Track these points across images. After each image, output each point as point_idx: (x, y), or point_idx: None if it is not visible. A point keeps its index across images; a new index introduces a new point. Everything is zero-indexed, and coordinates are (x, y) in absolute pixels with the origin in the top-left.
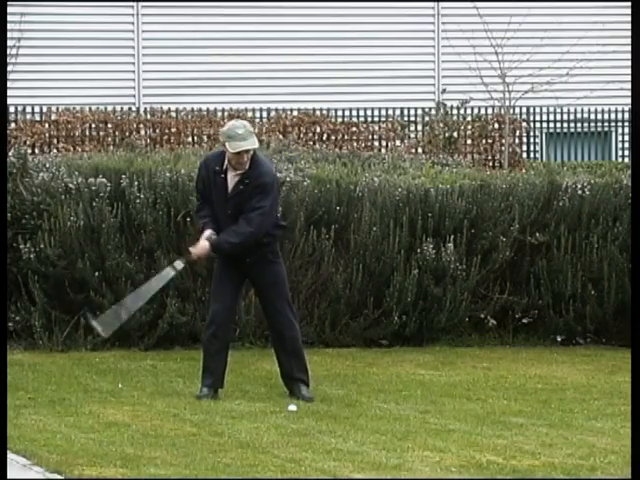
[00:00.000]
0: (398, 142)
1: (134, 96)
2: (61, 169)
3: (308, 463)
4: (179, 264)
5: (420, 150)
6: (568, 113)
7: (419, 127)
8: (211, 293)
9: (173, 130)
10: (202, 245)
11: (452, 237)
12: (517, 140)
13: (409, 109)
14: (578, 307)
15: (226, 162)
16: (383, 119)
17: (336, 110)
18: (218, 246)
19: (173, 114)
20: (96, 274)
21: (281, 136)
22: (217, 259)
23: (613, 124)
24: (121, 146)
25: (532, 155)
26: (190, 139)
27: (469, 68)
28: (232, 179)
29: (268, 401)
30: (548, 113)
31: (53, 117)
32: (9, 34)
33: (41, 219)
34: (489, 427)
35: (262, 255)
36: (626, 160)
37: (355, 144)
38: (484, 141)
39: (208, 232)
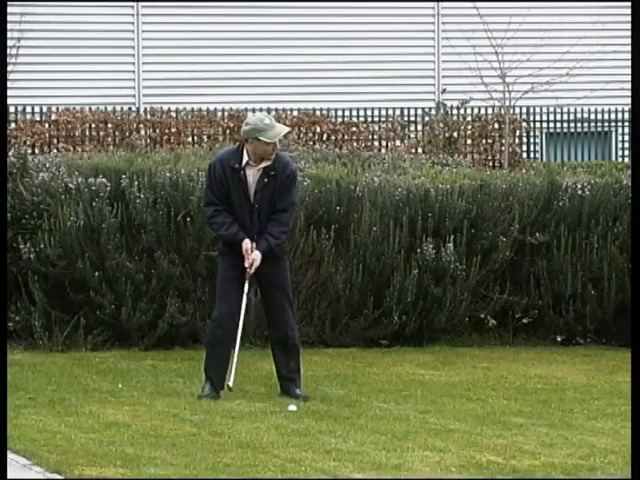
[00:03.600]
0: (398, 142)
1: (134, 96)
2: (61, 169)
3: (308, 463)
4: (246, 288)
5: (420, 150)
6: (568, 113)
7: (419, 127)
8: (218, 293)
9: (173, 130)
10: (255, 257)
11: (452, 237)
12: (517, 140)
13: (409, 109)
14: (578, 307)
15: (245, 158)
16: (383, 119)
17: (336, 110)
18: (270, 252)
19: (173, 114)
20: (96, 274)
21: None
22: (221, 258)
23: (613, 124)
24: (121, 146)
25: (532, 155)
26: (190, 139)
27: (469, 68)
28: (254, 174)
29: (268, 401)
30: (548, 113)
31: (53, 117)
32: (9, 34)
33: (41, 219)
34: (489, 427)
35: (272, 252)
36: (626, 160)
37: (355, 144)
38: (484, 141)
39: (248, 242)
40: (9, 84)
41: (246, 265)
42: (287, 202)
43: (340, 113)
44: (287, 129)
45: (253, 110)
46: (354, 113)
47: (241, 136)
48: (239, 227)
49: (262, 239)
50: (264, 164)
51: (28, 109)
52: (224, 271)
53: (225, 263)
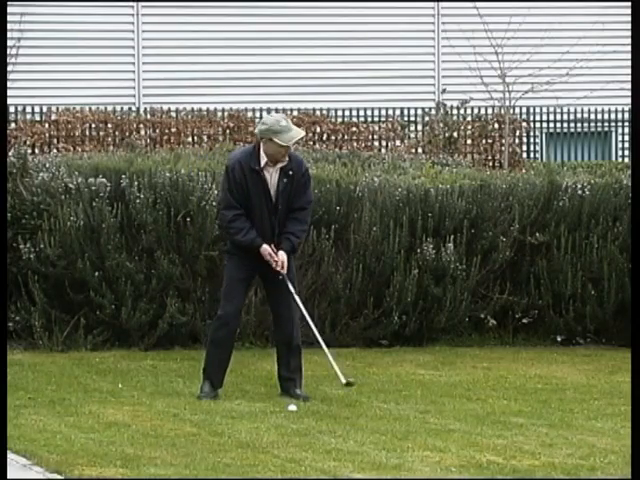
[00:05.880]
0: (398, 142)
1: (134, 96)
2: (61, 169)
3: (308, 463)
4: (292, 288)
5: (420, 150)
6: (568, 113)
7: (419, 127)
8: (224, 293)
9: (173, 130)
10: (282, 259)
11: (452, 237)
12: (517, 140)
13: (409, 109)
14: (578, 307)
15: (264, 159)
16: (383, 119)
17: (336, 110)
18: (293, 251)
19: (173, 114)
20: (96, 274)
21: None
22: (229, 258)
23: (613, 124)
24: (121, 146)
25: (532, 155)
26: (190, 139)
27: (469, 68)
28: (272, 175)
29: (268, 401)
30: (548, 113)
31: (53, 117)
32: (9, 34)
33: (41, 219)
34: (489, 427)
35: (295, 251)
36: (626, 160)
37: (355, 144)
38: (484, 141)
39: (267, 247)
40: (9, 84)
41: (277, 268)
42: (305, 200)
43: (340, 113)
44: (302, 133)
45: (253, 110)
46: (354, 113)
47: (256, 135)
48: (258, 231)
49: (284, 239)
50: (281, 164)
51: (28, 109)
52: (232, 271)
53: (233, 263)
